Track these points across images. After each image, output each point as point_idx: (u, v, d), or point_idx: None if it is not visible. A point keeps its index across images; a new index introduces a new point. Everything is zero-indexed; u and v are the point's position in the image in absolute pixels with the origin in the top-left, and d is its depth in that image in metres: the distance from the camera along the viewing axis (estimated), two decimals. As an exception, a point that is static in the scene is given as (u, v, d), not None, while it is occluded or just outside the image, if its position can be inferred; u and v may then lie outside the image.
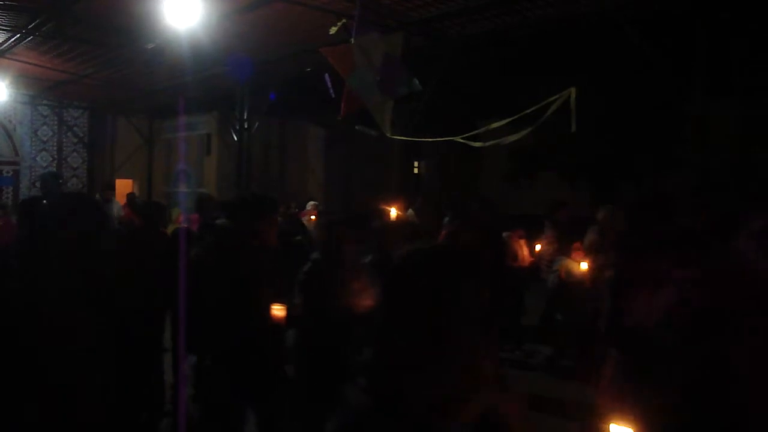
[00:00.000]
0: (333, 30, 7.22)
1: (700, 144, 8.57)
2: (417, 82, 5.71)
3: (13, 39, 10.85)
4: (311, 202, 10.15)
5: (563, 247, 6.62)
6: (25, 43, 11.08)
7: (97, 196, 11.05)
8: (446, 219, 5.48)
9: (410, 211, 7.62)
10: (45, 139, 18.18)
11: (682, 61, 8.71)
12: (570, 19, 8.42)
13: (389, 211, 6.03)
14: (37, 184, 17.78)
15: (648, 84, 11.75)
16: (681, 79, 8.76)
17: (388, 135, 5.79)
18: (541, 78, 8.12)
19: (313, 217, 8.96)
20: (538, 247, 7.32)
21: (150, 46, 10.16)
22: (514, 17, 8.39)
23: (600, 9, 7.89)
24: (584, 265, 5.87)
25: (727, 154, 10.20)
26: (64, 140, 18.49)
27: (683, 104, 12.31)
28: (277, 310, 3.64)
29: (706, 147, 8.68)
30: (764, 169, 10.63)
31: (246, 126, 13.16)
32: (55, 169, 18.18)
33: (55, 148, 18.34)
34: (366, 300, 3.44)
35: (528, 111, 4.88)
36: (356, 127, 6.38)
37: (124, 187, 19.04)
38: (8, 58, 12.11)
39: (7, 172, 17.41)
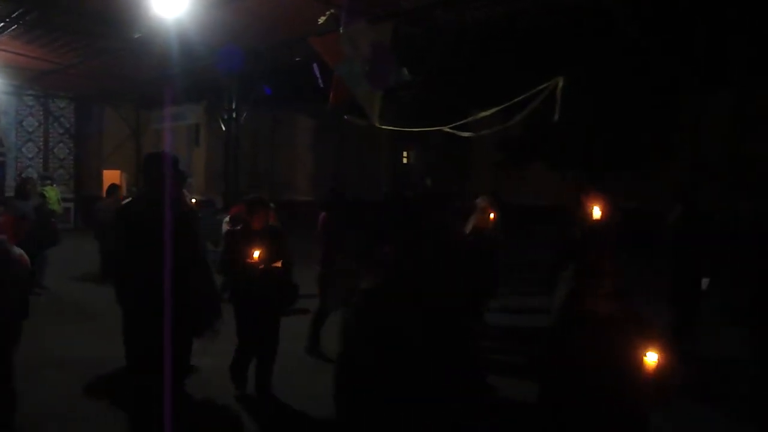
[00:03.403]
0: (322, 20, 7.20)
1: (693, 136, 8.66)
2: (406, 71, 5.70)
3: (-3, 28, 10.71)
4: (483, 197, 8.25)
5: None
6: (8, 33, 10.93)
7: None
8: None
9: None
10: (31, 129, 17.99)
11: (679, 55, 8.78)
12: (563, 9, 8.44)
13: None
14: (23, 175, 17.65)
15: (642, 77, 11.82)
16: (677, 71, 8.83)
17: (377, 125, 5.78)
18: (532, 68, 8.15)
19: (492, 215, 7.75)
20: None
21: (137, 35, 10.07)
22: (504, 7, 8.38)
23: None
24: None
25: (722, 145, 10.31)
26: (50, 131, 18.31)
27: (677, 97, 12.42)
28: None
29: (699, 138, 8.77)
30: (759, 160, 10.78)
31: (234, 116, 13.10)
32: (42, 160, 18.03)
33: (41, 139, 18.17)
34: None
35: (516, 100, 4.90)
36: (345, 117, 6.36)
37: (111, 178, 18.92)
38: (-8, 48, 11.97)
39: (-7, 163, 17.24)
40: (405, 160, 20.85)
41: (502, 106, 5.18)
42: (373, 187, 17.25)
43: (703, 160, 11.84)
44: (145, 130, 19.24)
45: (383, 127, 6.04)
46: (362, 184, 17.57)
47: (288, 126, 19.95)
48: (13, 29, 10.74)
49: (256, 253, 4.60)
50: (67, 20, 10.10)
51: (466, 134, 5.99)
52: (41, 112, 18.10)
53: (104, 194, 11.05)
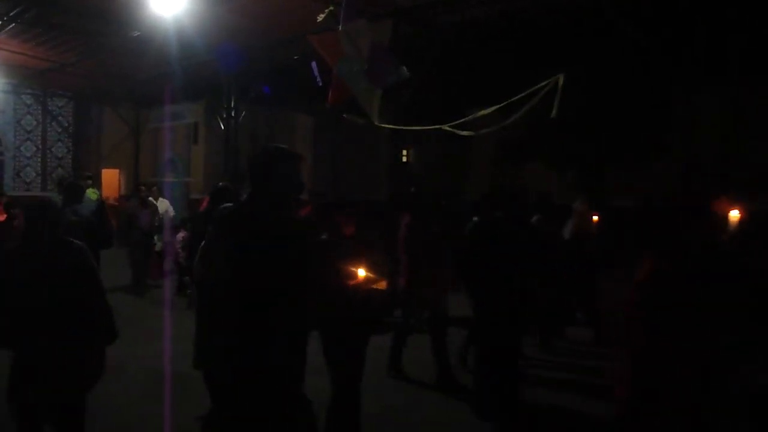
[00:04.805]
0: (320, 17, 7.18)
1: (688, 135, 8.66)
2: (405, 69, 5.68)
3: (-5, 26, 10.70)
4: (581, 199, 7.48)
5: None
6: (7, 31, 10.92)
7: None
8: None
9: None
10: (29, 128, 17.96)
11: (678, 54, 8.75)
12: (562, 9, 8.45)
13: None
14: (22, 174, 17.63)
15: (641, 76, 11.81)
16: (675, 70, 8.79)
17: (376, 123, 5.76)
18: (531, 68, 8.17)
19: (596, 218, 6.89)
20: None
21: (135, 34, 10.05)
22: (503, 6, 8.39)
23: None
24: None
25: (716, 143, 10.28)
26: (49, 130, 18.29)
27: (676, 96, 12.43)
28: None
29: (694, 137, 8.76)
30: (754, 158, 10.78)
31: (233, 115, 13.09)
32: (39, 160, 17.98)
33: (39, 138, 18.14)
34: None
35: (515, 98, 4.87)
36: (343, 116, 6.34)
37: (110, 177, 18.90)
38: (-10, 46, 11.95)
39: (-9, 163, 17.21)
40: (404, 159, 20.83)
41: (502, 104, 5.15)
42: (372, 187, 17.24)
43: (701, 159, 11.86)
44: (143, 129, 19.22)
45: (382, 125, 6.01)
46: (361, 183, 17.57)
47: (287, 124, 19.92)
48: (12, 27, 10.73)
49: (362, 272, 3.67)
50: (65, 18, 10.09)
51: (465, 133, 5.96)
52: (39, 111, 18.07)
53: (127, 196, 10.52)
